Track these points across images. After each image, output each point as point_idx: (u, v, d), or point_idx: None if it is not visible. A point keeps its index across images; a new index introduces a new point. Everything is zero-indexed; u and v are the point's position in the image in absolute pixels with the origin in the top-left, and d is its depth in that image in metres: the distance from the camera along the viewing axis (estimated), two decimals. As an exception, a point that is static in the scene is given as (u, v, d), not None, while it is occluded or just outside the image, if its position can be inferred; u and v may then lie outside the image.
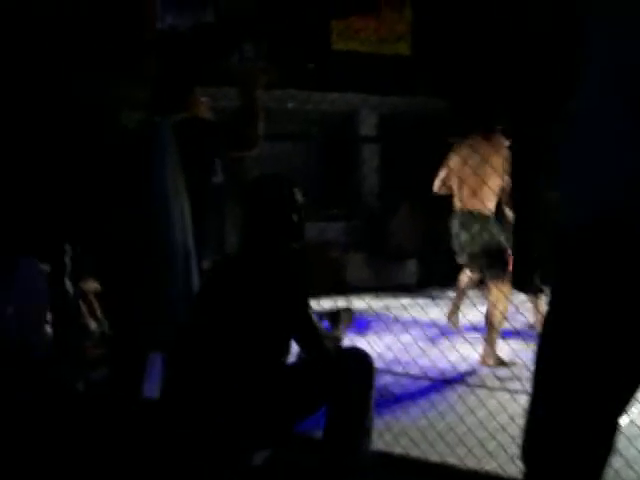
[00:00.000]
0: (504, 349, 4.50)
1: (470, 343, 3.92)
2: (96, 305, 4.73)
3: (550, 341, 1.40)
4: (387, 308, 4.70)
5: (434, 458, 3.06)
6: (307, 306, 2.57)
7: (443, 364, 4.08)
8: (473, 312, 4.42)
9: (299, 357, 2.75)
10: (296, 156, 9.42)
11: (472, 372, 4.07)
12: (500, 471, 2.89)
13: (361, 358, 2.68)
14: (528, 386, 3.79)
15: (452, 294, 5.71)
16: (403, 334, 4.25)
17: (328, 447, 2.58)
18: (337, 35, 9.83)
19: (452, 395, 3.63)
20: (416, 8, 10.11)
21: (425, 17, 10.17)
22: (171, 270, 2.76)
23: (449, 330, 4.85)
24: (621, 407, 1.35)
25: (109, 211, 2.90)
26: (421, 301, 6.21)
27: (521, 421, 3.19)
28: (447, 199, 5.78)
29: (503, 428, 3.20)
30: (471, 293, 5.32)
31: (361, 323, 5.06)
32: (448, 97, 10.33)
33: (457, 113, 10.30)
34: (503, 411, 3.34)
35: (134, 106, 2.92)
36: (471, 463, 3.01)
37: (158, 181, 2.82)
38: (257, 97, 2.86)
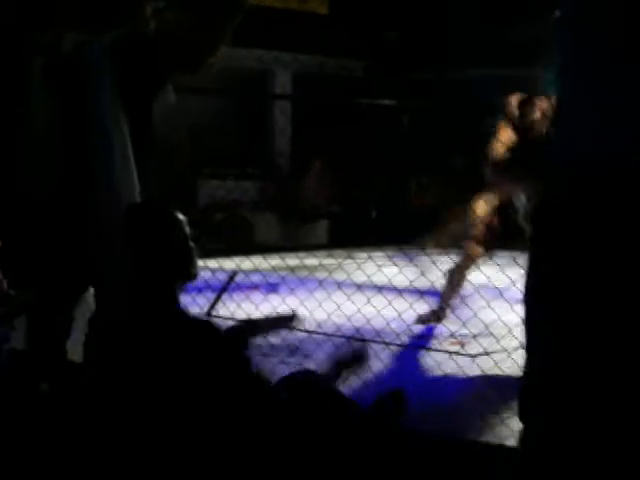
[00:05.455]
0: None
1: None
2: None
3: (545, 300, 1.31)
4: (303, 267, 4.70)
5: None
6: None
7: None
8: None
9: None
10: (209, 113, 9.22)
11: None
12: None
13: None
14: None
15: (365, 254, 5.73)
16: (319, 292, 4.24)
17: None
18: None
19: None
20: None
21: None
22: (113, 210, 2.47)
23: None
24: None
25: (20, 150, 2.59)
26: (333, 261, 6.22)
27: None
28: (359, 162, 5.67)
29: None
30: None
31: (272, 282, 5.03)
32: (364, 58, 10.30)
33: (372, 75, 10.31)
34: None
35: (68, 25, 2.60)
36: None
37: (95, 112, 2.44)
38: None
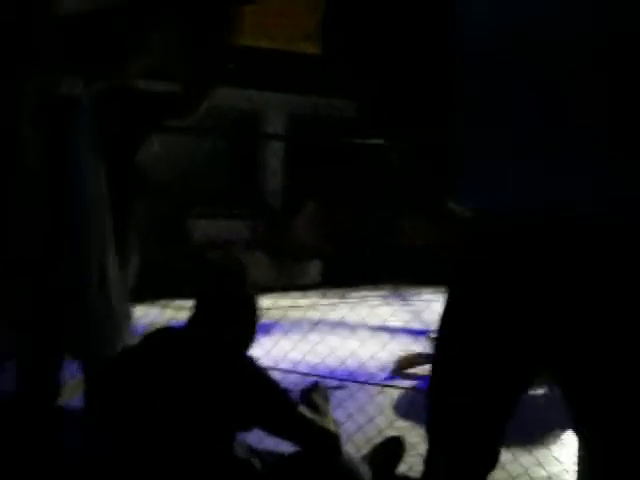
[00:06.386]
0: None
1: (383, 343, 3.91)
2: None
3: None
4: (293, 308, 4.64)
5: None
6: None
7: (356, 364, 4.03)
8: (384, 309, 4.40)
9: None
10: (200, 152, 9.23)
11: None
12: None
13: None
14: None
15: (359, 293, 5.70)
16: (310, 333, 4.18)
17: None
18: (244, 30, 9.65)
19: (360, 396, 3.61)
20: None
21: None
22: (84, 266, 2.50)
23: (359, 329, 4.81)
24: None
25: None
26: (327, 301, 6.18)
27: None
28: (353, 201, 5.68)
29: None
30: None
31: (265, 324, 4.96)
32: (356, 99, 10.37)
33: (364, 115, 10.36)
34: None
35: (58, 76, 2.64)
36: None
37: (74, 165, 2.54)
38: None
